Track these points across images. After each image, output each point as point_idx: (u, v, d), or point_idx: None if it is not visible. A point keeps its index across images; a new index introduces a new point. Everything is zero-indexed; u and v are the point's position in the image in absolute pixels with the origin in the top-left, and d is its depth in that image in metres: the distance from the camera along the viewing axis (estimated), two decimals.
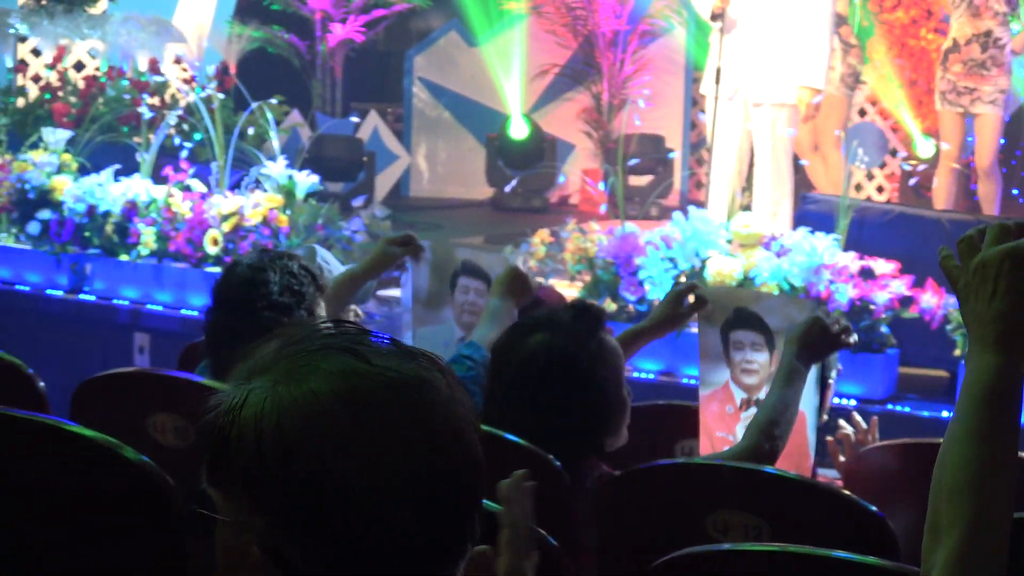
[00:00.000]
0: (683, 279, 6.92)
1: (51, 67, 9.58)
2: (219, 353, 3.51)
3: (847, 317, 6.25)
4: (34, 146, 8.31)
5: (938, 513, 1.68)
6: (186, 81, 9.12)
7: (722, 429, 3.69)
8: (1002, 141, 9.49)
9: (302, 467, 1.34)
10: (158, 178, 8.02)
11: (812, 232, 6.89)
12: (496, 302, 3.84)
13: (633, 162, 9.79)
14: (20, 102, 9.34)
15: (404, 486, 1.35)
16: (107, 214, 7.79)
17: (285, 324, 3.41)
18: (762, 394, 3.47)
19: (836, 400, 5.76)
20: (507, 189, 11.07)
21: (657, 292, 6.88)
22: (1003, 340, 1.66)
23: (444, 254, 4.39)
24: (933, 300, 6.66)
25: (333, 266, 4.26)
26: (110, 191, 7.79)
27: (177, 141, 8.23)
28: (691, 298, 3.67)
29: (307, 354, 1.40)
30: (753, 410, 3.55)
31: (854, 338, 3.39)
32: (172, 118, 8.29)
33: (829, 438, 3.78)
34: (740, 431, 3.50)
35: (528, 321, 3.31)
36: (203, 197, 7.76)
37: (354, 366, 1.38)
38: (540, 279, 6.33)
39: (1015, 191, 10.17)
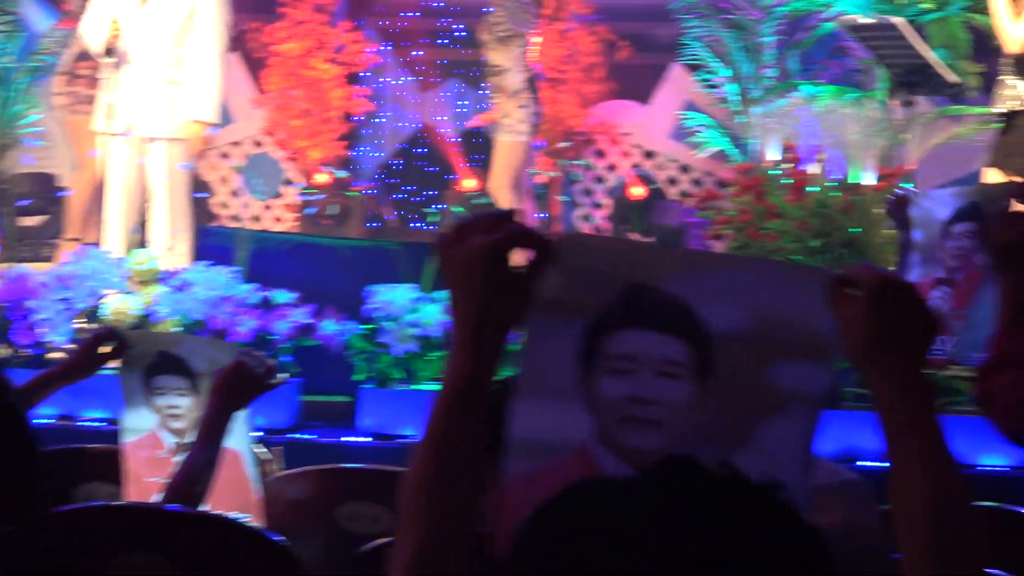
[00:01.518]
0: (83, 320, 6.97)
1: None
2: None
3: (251, 347, 6.29)
4: None
5: (404, 513, 1.65)
6: None
7: (154, 474, 3.58)
8: None
9: None
10: None
11: (212, 265, 7.01)
12: None
13: (24, 202, 9.66)
14: None
15: None
16: None
17: None
18: (192, 437, 3.36)
19: None
20: None
21: (55, 335, 6.89)
22: (474, 340, 1.66)
23: None
24: (334, 327, 6.84)
25: None
26: None
27: None
28: (105, 347, 3.57)
29: None
30: (185, 455, 3.47)
31: (282, 376, 3.39)
32: None
33: None
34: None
35: None
36: None
37: None
38: None
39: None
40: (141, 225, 7.79)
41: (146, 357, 3.55)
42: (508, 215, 1.74)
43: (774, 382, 1.93)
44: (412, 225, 11.30)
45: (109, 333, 3.63)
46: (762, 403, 1.94)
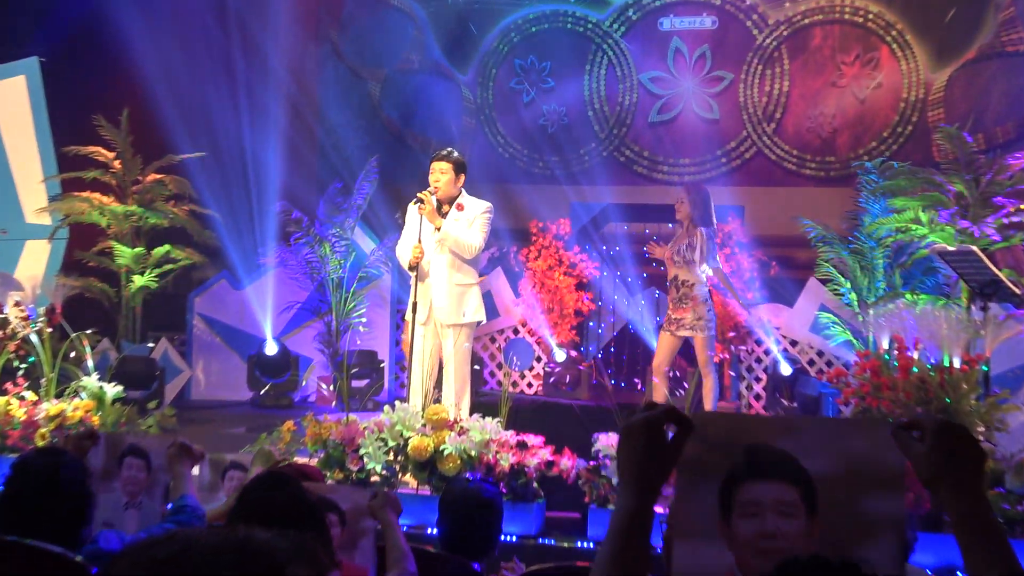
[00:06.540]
0: (390, 456, 7.84)
1: None
2: None
3: (509, 477, 7.48)
4: None
5: None
6: (23, 319, 9.74)
7: None
8: None
9: None
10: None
11: (483, 417, 8.01)
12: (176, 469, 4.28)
13: (355, 371, 11.37)
14: None
15: None
16: None
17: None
18: None
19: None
20: (262, 392, 12.53)
21: (373, 463, 7.79)
22: (638, 484, 1.99)
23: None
24: (568, 463, 7.70)
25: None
26: None
27: (16, 364, 9.03)
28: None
29: None
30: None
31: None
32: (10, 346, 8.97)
33: None
34: None
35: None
36: (35, 404, 8.65)
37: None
38: (287, 458, 7.10)
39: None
40: (436, 387, 8.66)
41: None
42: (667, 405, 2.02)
43: (863, 509, 2.14)
44: (620, 386, 12.83)
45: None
46: (855, 528, 2.14)
